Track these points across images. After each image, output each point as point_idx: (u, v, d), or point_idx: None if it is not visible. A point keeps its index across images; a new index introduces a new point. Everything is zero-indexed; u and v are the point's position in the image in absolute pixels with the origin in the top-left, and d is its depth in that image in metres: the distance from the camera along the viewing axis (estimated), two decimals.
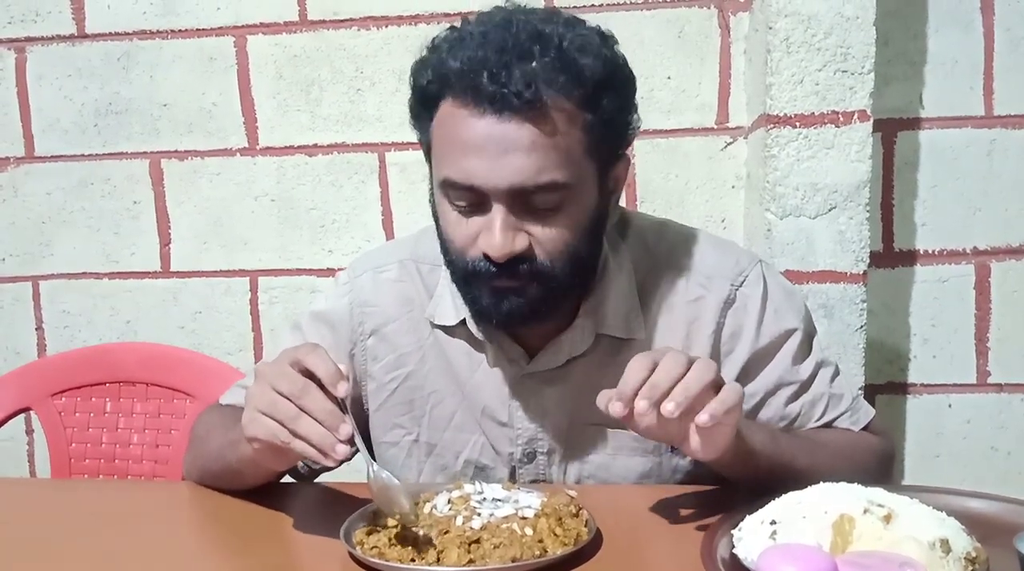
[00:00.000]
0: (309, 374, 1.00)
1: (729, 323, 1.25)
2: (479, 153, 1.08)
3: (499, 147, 1.07)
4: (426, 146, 1.18)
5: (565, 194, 1.10)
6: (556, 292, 1.15)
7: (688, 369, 0.98)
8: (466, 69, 1.08)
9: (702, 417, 0.96)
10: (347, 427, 0.97)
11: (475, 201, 1.11)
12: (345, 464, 1.02)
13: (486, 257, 1.11)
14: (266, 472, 1.18)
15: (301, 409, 0.98)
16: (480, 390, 1.28)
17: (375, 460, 1.26)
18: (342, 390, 0.99)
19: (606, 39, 1.14)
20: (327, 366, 1.00)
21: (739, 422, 1.03)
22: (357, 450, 1.01)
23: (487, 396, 1.28)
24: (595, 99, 1.10)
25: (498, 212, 1.09)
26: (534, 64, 1.06)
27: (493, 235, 1.09)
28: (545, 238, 1.11)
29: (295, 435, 0.98)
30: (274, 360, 1.05)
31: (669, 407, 0.95)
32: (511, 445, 1.28)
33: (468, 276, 1.14)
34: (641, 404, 0.96)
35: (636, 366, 0.99)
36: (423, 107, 1.16)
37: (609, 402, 0.99)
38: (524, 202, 1.09)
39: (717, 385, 0.99)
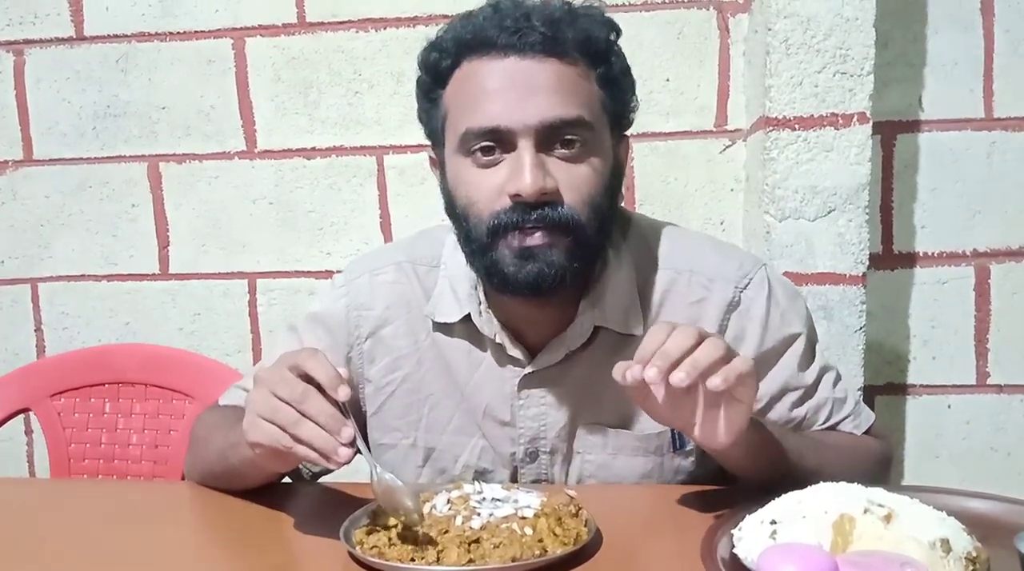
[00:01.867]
0: (309, 378, 1.00)
1: (732, 326, 1.24)
2: (503, 94, 1.09)
3: (524, 86, 1.09)
4: (439, 122, 1.19)
5: (589, 136, 1.12)
6: (580, 247, 1.14)
7: (699, 342, 0.96)
8: (486, 25, 1.11)
9: (714, 380, 0.94)
10: (349, 430, 0.97)
11: (500, 146, 1.11)
12: (345, 465, 1.02)
13: (515, 202, 1.10)
14: (268, 473, 1.18)
15: (302, 414, 0.98)
16: (481, 390, 1.27)
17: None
18: (343, 394, 0.99)
19: (605, 14, 1.19)
20: (327, 370, 1.00)
21: (751, 408, 1.01)
22: (359, 452, 1.01)
23: (488, 396, 1.27)
24: (605, 56, 1.15)
25: (526, 150, 1.10)
26: (548, 15, 1.11)
27: (523, 172, 1.09)
28: (571, 182, 1.12)
29: (297, 440, 0.98)
30: (273, 365, 1.04)
31: (679, 375, 0.93)
32: (513, 445, 1.27)
33: (494, 234, 1.13)
34: (651, 372, 0.94)
35: (654, 334, 0.98)
36: (436, 82, 1.17)
37: (627, 369, 0.97)
38: (550, 142, 1.11)
39: (727, 360, 0.97)
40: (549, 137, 1.10)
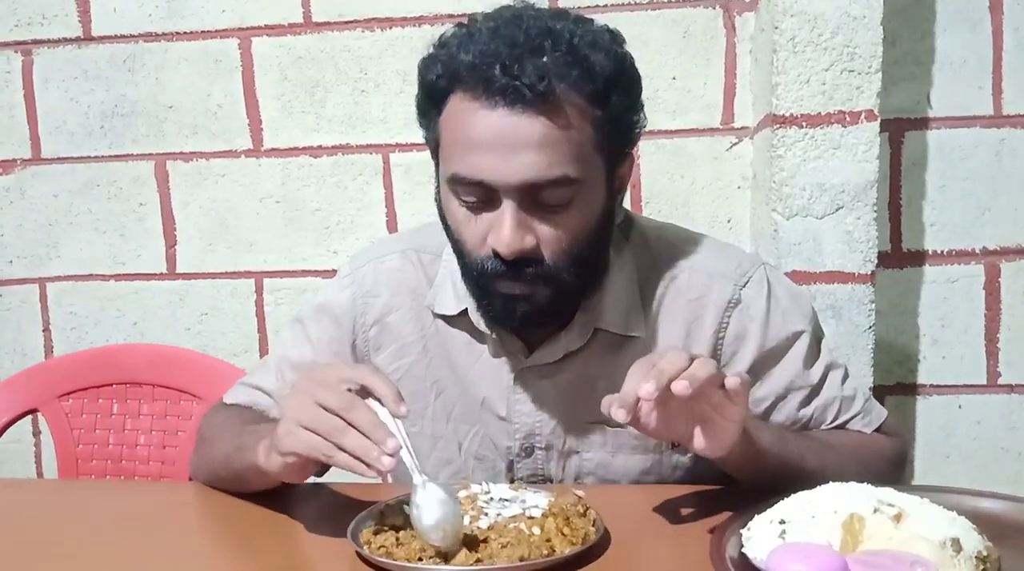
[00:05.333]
0: (359, 391, 1.01)
1: (733, 324, 1.24)
2: (490, 148, 1.07)
3: (510, 142, 1.06)
4: (433, 143, 1.18)
5: (575, 190, 1.10)
6: (563, 294, 1.15)
7: (690, 363, 0.96)
8: (477, 62, 1.08)
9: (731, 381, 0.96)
10: (394, 440, 0.96)
11: (484, 197, 1.10)
12: (387, 474, 1.01)
13: (495, 255, 1.10)
14: (272, 481, 1.16)
15: (348, 423, 0.98)
16: (480, 382, 1.28)
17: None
18: (403, 411, 1.00)
19: (615, 36, 1.14)
20: (388, 387, 1.01)
21: (746, 420, 1.02)
22: (399, 464, 1.00)
23: (486, 388, 1.27)
24: (605, 95, 1.10)
25: (508, 208, 1.08)
26: (545, 59, 1.06)
27: (502, 232, 1.08)
28: (552, 238, 1.11)
29: (340, 448, 0.98)
30: (315, 376, 1.05)
31: (681, 385, 0.93)
32: (509, 439, 1.27)
33: (479, 276, 1.14)
34: (647, 387, 0.93)
35: (637, 369, 0.98)
36: (431, 103, 1.15)
37: (612, 406, 0.97)
38: (534, 198, 1.09)
39: (721, 378, 0.97)
40: (532, 194, 1.09)
